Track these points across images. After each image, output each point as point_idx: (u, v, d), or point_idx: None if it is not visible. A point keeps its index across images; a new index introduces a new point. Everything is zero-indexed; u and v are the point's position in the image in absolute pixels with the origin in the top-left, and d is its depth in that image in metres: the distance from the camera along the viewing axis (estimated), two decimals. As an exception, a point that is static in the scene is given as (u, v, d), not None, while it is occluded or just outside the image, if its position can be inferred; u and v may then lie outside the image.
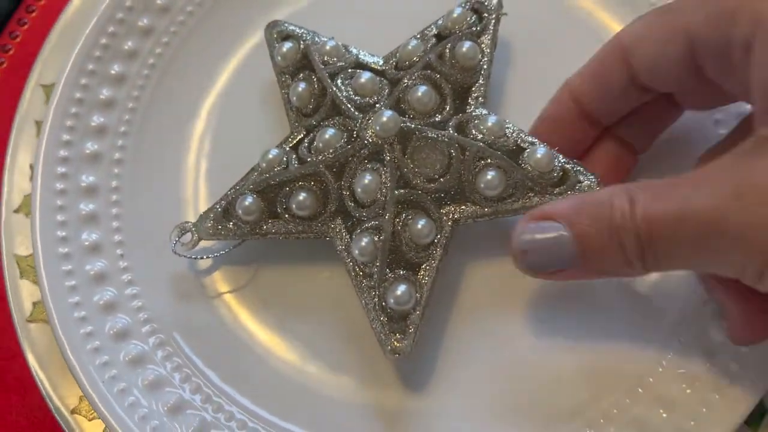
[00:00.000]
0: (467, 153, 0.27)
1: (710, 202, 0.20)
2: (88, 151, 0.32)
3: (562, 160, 0.27)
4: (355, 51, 0.31)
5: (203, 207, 0.32)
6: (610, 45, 0.27)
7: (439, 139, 0.27)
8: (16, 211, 0.34)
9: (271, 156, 0.29)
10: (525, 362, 0.29)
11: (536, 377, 0.28)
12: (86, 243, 0.31)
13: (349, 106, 0.29)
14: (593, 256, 0.23)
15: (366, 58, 0.31)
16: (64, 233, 0.31)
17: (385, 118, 0.27)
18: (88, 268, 0.31)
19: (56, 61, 0.35)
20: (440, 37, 0.31)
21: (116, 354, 0.29)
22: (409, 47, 0.31)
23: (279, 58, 0.31)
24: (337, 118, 0.29)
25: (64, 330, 0.29)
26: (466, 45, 0.30)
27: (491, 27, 0.31)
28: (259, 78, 0.33)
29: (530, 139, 0.28)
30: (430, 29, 0.32)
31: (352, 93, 0.29)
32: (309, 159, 0.28)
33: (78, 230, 0.31)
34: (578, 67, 0.28)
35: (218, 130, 0.33)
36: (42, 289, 0.30)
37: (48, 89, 0.35)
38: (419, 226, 0.27)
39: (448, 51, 0.30)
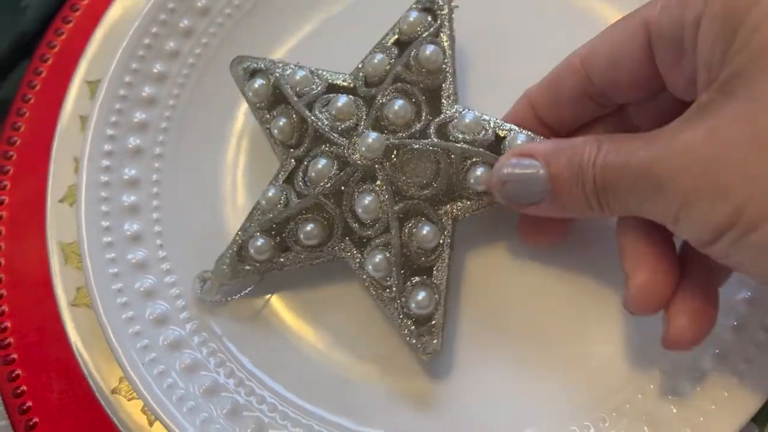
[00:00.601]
0: (452, 156, 0.29)
1: (648, 154, 0.23)
2: (130, 146, 0.34)
3: (537, 139, 0.29)
4: (324, 74, 0.32)
5: (241, 201, 0.33)
6: (570, 56, 0.28)
7: (425, 148, 0.29)
8: (61, 200, 0.35)
9: (270, 194, 0.31)
10: (535, 343, 0.31)
11: (549, 361, 0.30)
12: (128, 233, 0.33)
13: (332, 134, 0.30)
14: (562, 194, 0.26)
15: (336, 79, 0.32)
16: (107, 223, 0.33)
17: (370, 140, 0.29)
18: (129, 257, 0.32)
19: (101, 59, 0.37)
20: (400, 43, 0.32)
21: (155, 338, 0.31)
22: (375, 61, 0.31)
23: (251, 95, 0.32)
24: (323, 146, 0.30)
25: (107, 314, 0.31)
26: (429, 49, 0.31)
27: (446, 23, 0.32)
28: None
29: (508, 126, 0.30)
30: (388, 37, 0.32)
31: (331, 119, 0.30)
32: (307, 192, 0.30)
33: (120, 221, 0.33)
34: (537, 49, 0.31)
35: (256, 128, 0.35)
36: (87, 275, 0.32)
37: (92, 85, 0.37)
38: (424, 233, 0.29)
39: (412, 59, 0.31)
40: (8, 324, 0.35)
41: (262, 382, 0.31)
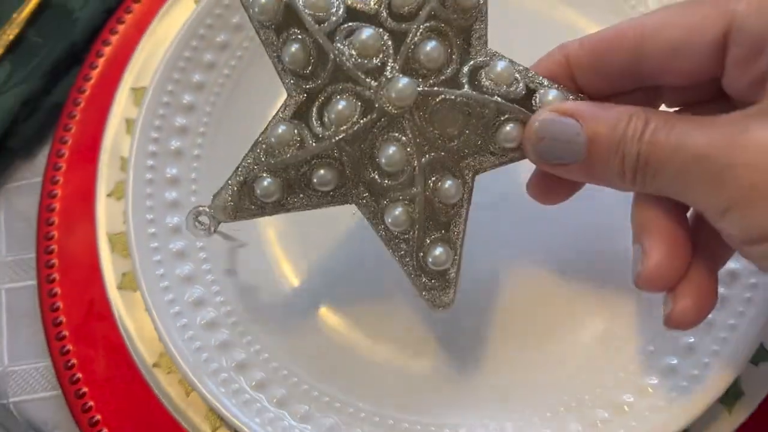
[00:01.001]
0: (486, 111, 0.27)
1: (705, 140, 0.23)
2: (172, 148, 0.38)
3: (572, 97, 0.27)
4: None
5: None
6: (625, 26, 0.27)
7: (458, 100, 0.27)
8: (109, 195, 0.39)
9: (280, 131, 0.28)
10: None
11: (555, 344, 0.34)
12: (170, 225, 0.37)
13: (359, 73, 0.27)
14: (596, 161, 0.25)
15: (356, 1, 0.28)
16: (151, 216, 0.36)
17: (401, 85, 0.26)
18: (171, 246, 0.36)
19: (144, 69, 0.41)
20: None
21: (193, 318, 0.35)
22: None
23: (256, 10, 0.28)
24: (345, 83, 0.27)
25: (151, 297, 0.35)
26: None
27: None
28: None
29: (539, 79, 0.28)
30: None
31: (356, 55, 0.27)
32: (324, 135, 0.27)
33: (163, 214, 0.37)
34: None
35: None
36: (133, 262, 0.35)
37: (137, 92, 0.41)
38: (447, 187, 0.28)
39: None
40: (60, 304, 0.39)
41: (284, 360, 0.35)
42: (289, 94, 0.29)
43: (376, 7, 0.28)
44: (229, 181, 0.29)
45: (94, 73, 0.43)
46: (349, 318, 0.36)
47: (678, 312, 0.26)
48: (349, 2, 0.28)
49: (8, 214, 0.43)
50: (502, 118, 0.27)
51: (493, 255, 0.36)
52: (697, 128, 0.23)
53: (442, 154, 0.28)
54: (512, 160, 0.28)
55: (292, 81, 0.28)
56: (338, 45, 0.27)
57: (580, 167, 0.26)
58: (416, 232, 0.28)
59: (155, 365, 0.36)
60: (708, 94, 0.27)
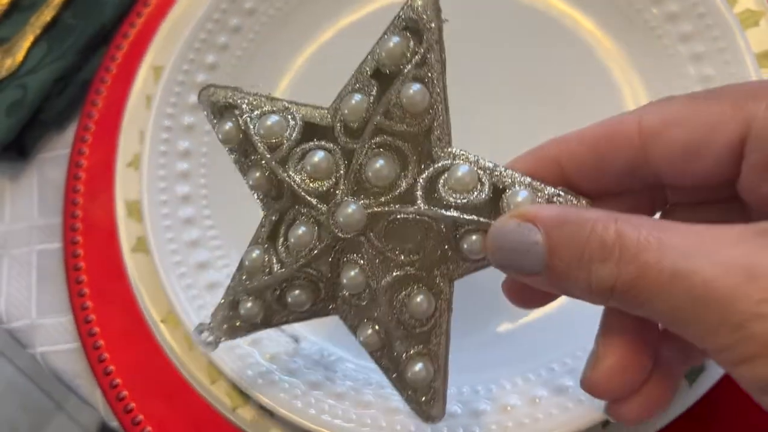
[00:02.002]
0: (443, 225, 0.26)
1: (714, 270, 0.19)
2: (185, 123, 0.41)
3: (547, 193, 0.25)
4: (299, 112, 0.28)
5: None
6: (623, 119, 0.24)
7: (410, 218, 0.26)
8: (128, 165, 0.43)
9: (254, 256, 0.28)
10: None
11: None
12: (180, 194, 0.40)
13: (310, 198, 0.27)
14: (558, 272, 0.22)
15: (313, 117, 0.28)
16: (164, 185, 0.40)
17: (350, 211, 0.26)
18: (180, 213, 0.39)
19: (165, 49, 0.44)
20: (379, 75, 0.26)
21: (197, 279, 0.38)
22: (353, 103, 0.26)
23: (221, 137, 0.29)
24: (302, 207, 0.27)
25: (160, 259, 0.38)
26: (413, 88, 0.25)
27: (435, 45, 0.26)
28: (329, 69, 0.41)
29: (510, 176, 0.25)
30: (366, 65, 0.27)
31: (307, 179, 0.27)
32: (287, 261, 0.28)
33: (174, 183, 0.40)
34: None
35: None
36: (145, 227, 0.39)
37: (157, 70, 0.44)
38: (418, 301, 0.26)
39: (393, 105, 0.26)
40: (82, 264, 0.43)
41: (280, 320, 0.38)
42: (264, 217, 0.29)
43: (331, 120, 0.27)
44: (222, 300, 0.30)
45: (120, 53, 0.47)
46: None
47: (619, 411, 0.25)
48: (307, 117, 0.27)
49: (41, 182, 0.47)
50: (462, 231, 0.25)
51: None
52: (699, 252, 0.19)
53: (409, 269, 0.26)
54: (489, 265, 0.26)
55: (262, 202, 0.29)
56: (290, 171, 0.27)
57: (544, 278, 0.23)
58: (387, 352, 0.28)
59: (163, 321, 0.40)
60: (721, 194, 0.24)
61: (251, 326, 0.30)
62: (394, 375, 0.28)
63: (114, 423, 0.40)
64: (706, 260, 0.19)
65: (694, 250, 0.20)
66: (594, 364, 0.24)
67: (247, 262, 0.29)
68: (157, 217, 0.39)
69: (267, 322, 0.30)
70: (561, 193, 0.25)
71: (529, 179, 0.25)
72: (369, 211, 0.26)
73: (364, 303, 0.27)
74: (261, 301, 0.29)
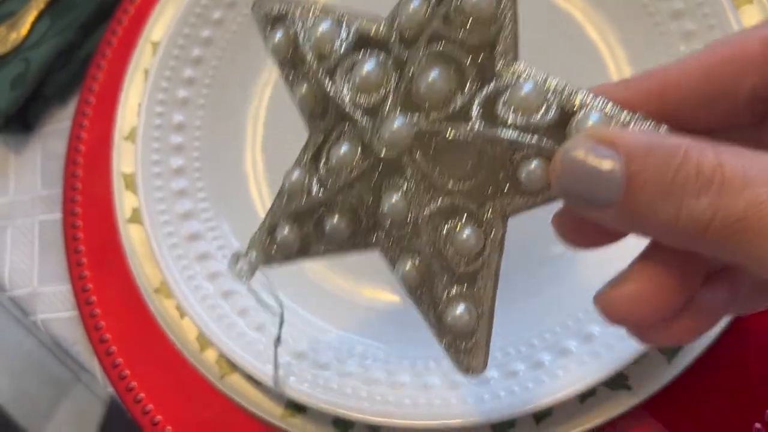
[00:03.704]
0: (498, 149, 0.22)
1: None
2: (180, 96, 0.42)
3: (623, 119, 0.21)
4: (354, 22, 0.25)
5: (258, 146, 0.41)
6: (741, 38, 0.21)
7: (462, 138, 0.22)
8: (125, 138, 0.43)
9: (294, 178, 0.26)
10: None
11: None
12: (173, 167, 0.41)
13: (355, 113, 0.24)
14: (639, 206, 0.19)
15: (369, 28, 0.25)
16: (158, 157, 0.40)
17: (395, 127, 0.23)
18: (173, 185, 0.40)
19: (163, 24, 0.44)
20: None
21: (188, 250, 0.39)
22: (410, 10, 0.24)
23: (272, 50, 0.27)
24: (346, 124, 0.25)
25: (152, 230, 0.39)
26: None
27: None
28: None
29: (580, 97, 0.22)
30: None
31: (355, 92, 0.24)
32: (328, 182, 0.25)
33: (168, 156, 0.41)
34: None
35: (277, 84, 0.42)
36: (139, 198, 0.40)
37: (155, 45, 0.45)
38: (464, 237, 0.23)
39: (453, 9, 0.23)
40: (81, 235, 0.44)
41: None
42: (309, 137, 0.27)
43: (387, 30, 0.24)
44: (260, 227, 0.28)
45: (121, 28, 0.47)
46: (336, 262, 0.39)
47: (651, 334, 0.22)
48: (361, 27, 0.25)
49: (44, 155, 0.48)
50: (519, 156, 0.22)
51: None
52: None
53: (457, 199, 0.23)
54: (550, 200, 0.22)
55: (308, 122, 0.26)
56: (337, 81, 0.25)
57: (617, 212, 0.19)
58: (426, 289, 0.25)
59: (156, 291, 0.41)
60: None
61: (286, 256, 0.27)
62: (432, 318, 0.25)
63: (110, 389, 0.42)
64: None
65: None
66: (618, 283, 0.21)
67: (287, 184, 0.26)
68: (151, 189, 0.40)
69: (304, 252, 0.27)
70: (640, 117, 0.21)
71: (605, 101, 0.21)
72: (417, 128, 0.23)
73: (406, 235, 0.24)
74: (299, 227, 0.26)
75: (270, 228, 0.27)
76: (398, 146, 0.23)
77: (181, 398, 0.40)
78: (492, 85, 0.23)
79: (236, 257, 0.29)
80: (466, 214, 0.23)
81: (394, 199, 0.24)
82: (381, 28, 0.25)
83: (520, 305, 0.36)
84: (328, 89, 0.25)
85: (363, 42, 0.25)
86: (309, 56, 0.25)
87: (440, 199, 0.23)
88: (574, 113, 0.21)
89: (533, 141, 0.21)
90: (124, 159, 0.43)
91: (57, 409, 1.13)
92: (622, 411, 0.34)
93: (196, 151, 0.41)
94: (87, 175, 0.45)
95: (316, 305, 0.38)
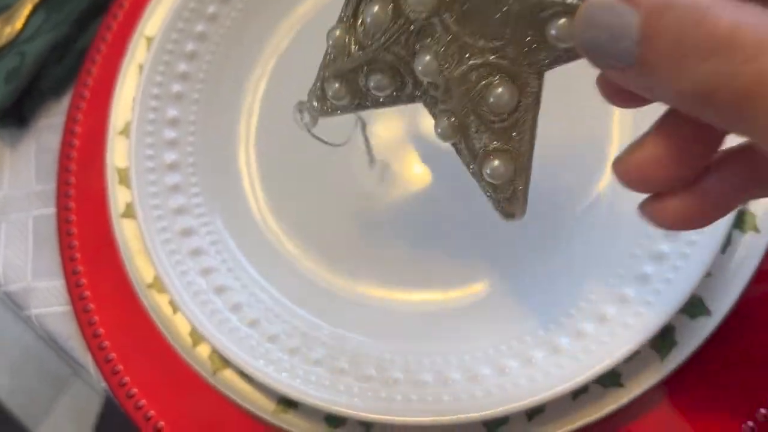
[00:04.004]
0: (526, 5, 0.22)
1: None
2: (174, 91, 0.41)
3: None
4: None
5: (252, 143, 0.41)
6: None
7: None
8: (120, 133, 0.43)
9: (336, 34, 0.27)
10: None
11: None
12: (167, 161, 0.40)
13: None
14: (656, 68, 0.18)
15: None
16: (151, 152, 0.40)
17: None
18: (167, 180, 0.40)
19: (157, 18, 0.44)
20: None
21: (181, 245, 0.39)
22: None
23: None
24: None
25: (146, 225, 0.39)
26: None
27: None
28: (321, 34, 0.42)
29: None
30: None
31: None
32: (365, 42, 0.26)
33: (162, 151, 0.40)
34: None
35: (270, 81, 0.42)
36: (133, 193, 0.39)
37: (150, 40, 0.45)
38: (498, 92, 0.24)
39: None
40: (75, 230, 0.44)
41: (262, 286, 0.38)
42: None
43: None
44: (315, 81, 0.29)
45: (115, 23, 0.47)
46: (329, 258, 0.39)
47: (650, 207, 0.22)
48: None
49: (38, 149, 0.48)
50: (547, 14, 0.22)
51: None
52: None
53: (489, 57, 0.24)
54: (577, 57, 0.22)
55: None
56: None
57: (636, 73, 0.19)
58: (464, 147, 0.26)
59: (149, 286, 0.40)
60: None
61: (343, 107, 0.29)
62: (473, 168, 0.26)
63: (103, 384, 0.42)
64: None
65: None
66: (632, 149, 0.22)
67: (330, 41, 0.27)
68: (144, 184, 0.40)
69: (357, 105, 0.28)
70: None
71: None
72: None
73: (441, 94, 0.25)
74: (347, 84, 0.28)
75: (321, 89, 0.28)
76: (425, 6, 0.24)
77: (174, 394, 0.40)
78: None
79: (300, 107, 0.30)
80: (499, 72, 0.24)
81: (426, 60, 0.25)
82: None
83: (513, 301, 0.36)
84: None
85: None
86: None
87: (472, 59, 0.24)
88: None
89: (557, 0, 0.21)
90: (117, 153, 0.43)
91: (55, 403, 1.13)
92: (615, 408, 0.34)
93: (190, 146, 0.41)
94: (81, 170, 0.45)
95: (310, 301, 0.38)
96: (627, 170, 0.22)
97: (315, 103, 0.29)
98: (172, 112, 0.41)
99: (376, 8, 0.25)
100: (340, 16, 0.27)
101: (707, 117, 0.18)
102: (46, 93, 0.48)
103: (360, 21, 0.26)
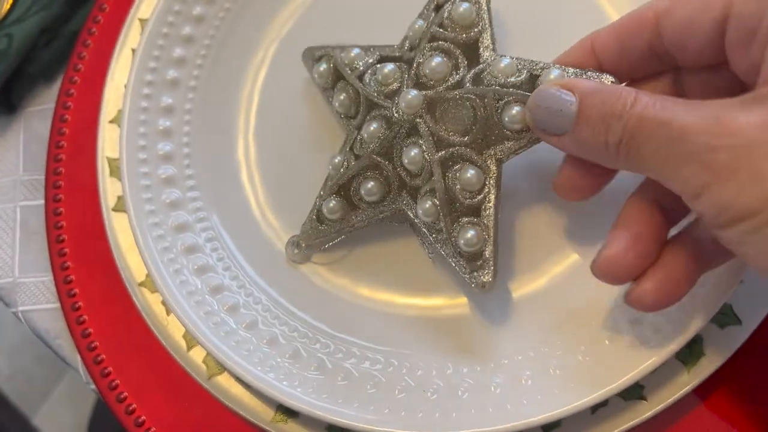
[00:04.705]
0: (486, 99, 0.30)
1: (689, 119, 0.23)
2: (169, 77, 0.39)
3: (571, 73, 0.30)
4: (377, 49, 0.35)
5: (251, 132, 0.39)
6: (642, 9, 0.28)
7: (458, 96, 0.31)
8: (111, 121, 0.41)
9: (336, 161, 0.35)
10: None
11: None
12: (161, 152, 0.38)
13: (379, 98, 0.33)
14: (586, 131, 0.26)
15: (387, 52, 0.35)
16: (144, 143, 0.38)
17: (409, 96, 0.32)
18: (160, 173, 0.38)
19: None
20: (438, 7, 0.34)
21: (175, 242, 0.36)
22: (416, 27, 0.34)
23: (317, 77, 0.36)
24: (374, 111, 0.33)
25: (137, 220, 0.36)
26: (462, 6, 0.33)
27: None
28: (320, 13, 0.40)
29: (542, 64, 0.31)
30: (430, 3, 0.35)
31: (378, 85, 0.33)
32: (362, 153, 0.33)
33: (155, 141, 0.38)
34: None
35: (272, 68, 0.40)
36: (123, 186, 0.37)
37: (144, 23, 0.42)
38: (468, 176, 0.31)
39: (446, 18, 0.33)
40: (64, 223, 0.42)
41: (260, 287, 0.36)
42: (347, 135, 0.35)
43: (400, 49, 0.35)
44: (309, 213, 0.35)
45: (108, 4, 0.45)
46: (332, 258, 0.37)
47: (636, 292, 0.27)
48: (383, 52, 0.35)
49: (27, 137, 0.46)
50: (503, 103, 0.30)
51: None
52: (686, 109, 0.24)
53: (459, 148, 0.31)
54: (530, 143, 0.31)
55: (345, 123, 0.35)
56: (365, 81, 0.34)
57: (571, 138, 0.27)
58: (442, 218, 0.31)
59: (141, 284, 0.38)
60: (731, 84, 0.27)
61: (336, 230, 0.35)
62: (449, 245, 0.31)
63: (92, 386, 0.39)
64: (689, 113, 0.23)
65: (684, 108, 0.24)
66: (600, 251, 0.28)
67: (330, 167, 0.35)
68: (136, 176, 0.37)
69: (345, 221, 0.34)
70: (589, 71, 0.30)
71: (560, 66, 0.30)
72: (425, 95, 0.32)
73: (424, 180, 0.32)
74: (342, 199, 0.34)
75: (318, 209, 0.35)
76: (413, 109, 0.32)
77: (167, 399, 0.38)
78: (479, 66, 0.32)
79: (292, 243, 0.36)
80: (467, 160, 0.31)
81: (413, 153, 0.32)
82: (395, 50, 0.35)
83: (527, 311, 0.34)
84: (358, 86, 0.34)
85: (383, 59, 0.35)
86: (344, 69, 0.35)
87: (447, 150, 0.31)
88: (539, 74, 0.31)
89: (513, 90, 0.30)
90: (109, 143, 0.40)
91: (53, 389, 1.11)
92: (636, 423, 0.32)
93: (186, 136, 0.39)
94: (71, 160, 0.43)
95: (311, 304, 0.36)
96: (599, 271, 0.28)
97: (309, 231, 0.35)
98: (166, 100, 0.39)
99: (374, 125, 0.33)
100: (341, 148, 0.35)
101: (623, 165, 0.26)
102: (35, 78, 0.46)
103: (358, 143, 0.34)
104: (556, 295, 0.33)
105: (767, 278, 0.26)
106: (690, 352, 0.32)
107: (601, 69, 0.30)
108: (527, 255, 0.35)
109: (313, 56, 0.37)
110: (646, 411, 0.32)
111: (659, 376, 0.32)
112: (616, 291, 0.31)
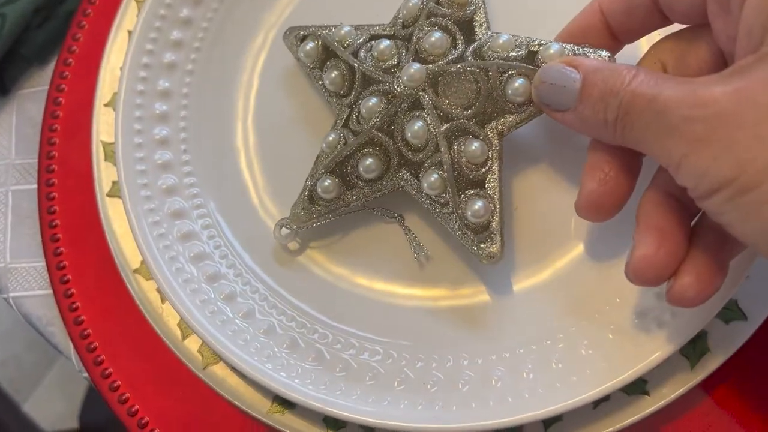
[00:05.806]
0: (490, 72, 0.31)
1: (673, 93, 0.24)
2: (166, 61, 0.38)
3: (570, 49, 0.30)
4: (366, 27, 0.35)
5: (250, 118, 0.38)
6: None
7: (462, 69, 0.31)
8: (106, 105, 0.40)
9: (330, 139, 0.33)
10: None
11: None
12: (157, 137, 0.37)
13: (378, 73, 0.33)
14: (588, 107, 0.27)
15: (377, 30, 0.35)
16: (140, 127, 0.37)
17: (412, 70, 0.31)
18: (156, 158, 0.37)
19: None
20: None
21: (171, 229, 0.36)
22: (410, 4, 0.34)
23: (303, 56, 0.35)
24: (371, 87, 0.33)
25: (132, 205, 0.35)
26: None
27: None
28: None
29: (539, 41, 0.31)
30: None
31: (375, 61, 0.33)
32: (361, 129, 0.32)
33: (151, 126, 0.37)
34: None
35: (270, 55, 0.39)
36: (118, 170, 0.36)
37: (141, 4, 0.41)
38: (472, 148, 0.31)
39: None
40: (57, 208, 0.41)
41: (257, 275, 0.35)
42: (337, 114, 0.35)
43: (392, 27, 0.35)
44: (300, 194, 0.34)
45: (105, -16, 0.44)
46: (331, 247, 0.36)
47: (677, 288, 0.26)
48: (372, 30, 0.35)
49: (19, 120, 0.45)
50: (506, 77, 0.31)
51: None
52: (673, 84, 0.24)
53: (463, 121, 0.31)
54: (530, 116, 0.31)
55: (335, 101, 0.35)
56: (361, 56, 0.34)
57: (573, 114, 0.28)
58: (450, 189, 0.31)
59: (136, 271, 0.37)
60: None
61: (329, 209, 0.34)
62: (456, 219, 0.31)
63: (85, 375, 0.39)
64: (673, 88, 0.24)
65: (672, 83, 0.24)
66: (631, 254, 0.27)
67: (324, 145, 0.34)
68: (131, 161, 0.36)
69: (341, 200, 0.34)
70: (587, 47, 0.30)
71: (559, 42, 0.31)
72: (428, 69, 0.31)
73: (427, 153, 0.32)
74: (337, 177, 0.33)
75: (311, 188, 0.34)
76: (416, 83, 0.31)
77: (161, 388, 0.37)
78: (477, 42, 0.33)
79: (280, 225, 0.35)
80: (470, 133, 0.31)
81: (416, 126, 0.31)
82: (386, 29, 0.35)
83: (529, 303, 0.33)
84: (355, 63, 0.33)
85: (375, 37, 0.34)
86: (337, 46, 0.34)
87: (451, 123, 0.31)
88: (537, 50, 0.31)
89: (516, 63, 0.31)
90: (104, 127, 0.39)
91: (44, 376, 1.10)
92: (638, 418, 0.32)
93: (183, 120, 0.38)
94: (65, 143, 0.42)
95: (309, 293, 0.35)
96: (634, 271, 0.27)
97: (300, 212, 0.34)
98: (163, 84, 0.38)
99: (372, 100, 0.32)
100: (333, 126, 0.34)
101: (619, 141, 0.27)
102: (28, 59, 0.45)
103: (354, 119, 0.33)
104: (559, 288, 0.33)
105: (750, 246, 0.25)
106: (694, 348, 0.31)
107: (608, 29, 0.30)
108: (531, 247, 0.34)
109: (295, 36, 0.36)
110: (648, 406, 0.31)
111: (663, 371, 0.31)
112: (619, 284, 0.31)
